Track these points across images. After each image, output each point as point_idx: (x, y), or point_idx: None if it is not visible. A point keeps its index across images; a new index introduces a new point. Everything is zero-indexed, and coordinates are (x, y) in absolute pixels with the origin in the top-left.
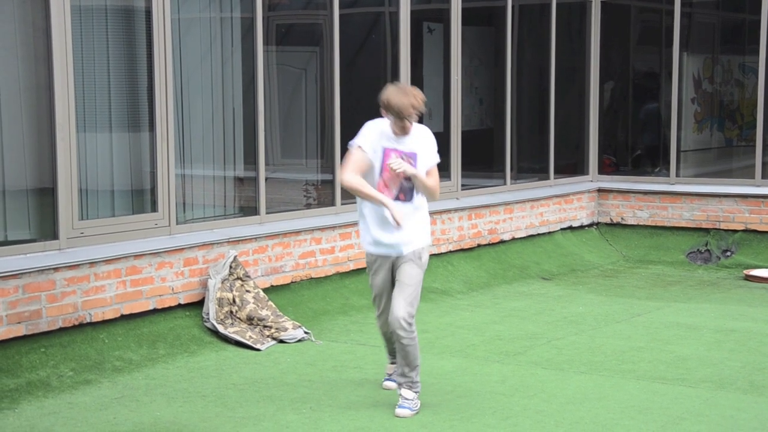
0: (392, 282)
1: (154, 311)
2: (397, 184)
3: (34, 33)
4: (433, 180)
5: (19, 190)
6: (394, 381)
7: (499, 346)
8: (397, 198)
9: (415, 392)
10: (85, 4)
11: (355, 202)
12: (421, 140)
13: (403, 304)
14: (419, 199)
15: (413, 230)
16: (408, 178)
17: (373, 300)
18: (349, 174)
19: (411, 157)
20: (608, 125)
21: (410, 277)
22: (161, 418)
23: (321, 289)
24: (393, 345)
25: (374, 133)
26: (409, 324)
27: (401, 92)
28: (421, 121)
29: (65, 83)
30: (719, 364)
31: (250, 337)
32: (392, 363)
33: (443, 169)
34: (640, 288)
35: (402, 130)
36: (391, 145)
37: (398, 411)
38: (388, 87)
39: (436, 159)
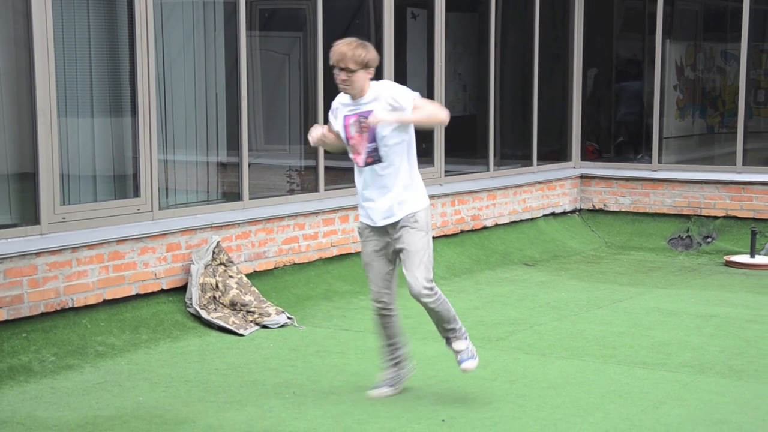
0: (384, 254)
1: (137, 296)
2: (364, 148)
3: (14, 16)
4: (425, 109)
5: (0, 175)
6: (388, 386)
7: (482, 332)
8: (366, 162)
9: (465, 338)
10: None
11: (338, 188)
12: (381, 95)
13: (417, 275)
14: (397, 161)
15: (399, 193)
16: (372, 141)
17: (365, 270)
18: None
19: (367, 117)
20: (591, 112)
21: (413, 244)
22: (144, 403)
23: (304, 274)
24: (387, 332)
25: (336, 102)
26: (431, 289)
27: (344, 41)
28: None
29: (46, 67)
30: (699, 348)
31: (233, 322)
32: (388, 367)
33: (426, 155)
34: (622, 274)
35: (340, 85)
36: (349, 110)
37: (463, 365)
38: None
39: (410, 94)
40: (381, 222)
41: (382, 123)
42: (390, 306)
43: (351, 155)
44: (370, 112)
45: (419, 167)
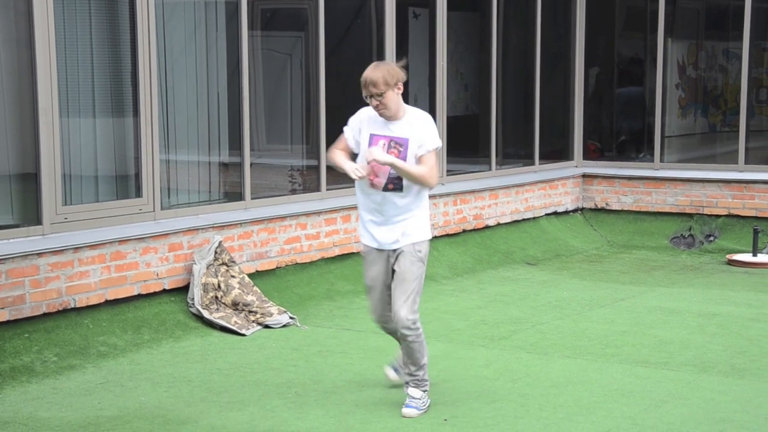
0: (387, 278)
1: (139, 297)
2: (385, 173)
3: (15, 17)
4: (423, 167)
5: (2, 176)
6: (396, 372)
7: (484, 331)
8: (386, 188)
9: (423, 390)
10: None
11: (340, 188)
12: (416, 125)
13: (404, 304)
14: (414, 192)
15: (408, 224)
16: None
17: (366, 293)
18: (331, 150)
19: (401, 144)
20: (593, 111)
21: (409, 273)
22: (146, 403)
23: (306, 274)
24: (396, 335)
25: (360, 118)
26: (414, 322)
27: (372, 67)
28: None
29: (48, 68)
30: (701, 347)
31: (235, 322)
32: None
33: None
34: (624, 273)
35: (377, 110)
36: (380, 131)
37: (405, 411)
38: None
39: (433, 145)
40: (387, 246)
41: (376, 161)
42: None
43: (366, 175)
44: (404, 139)
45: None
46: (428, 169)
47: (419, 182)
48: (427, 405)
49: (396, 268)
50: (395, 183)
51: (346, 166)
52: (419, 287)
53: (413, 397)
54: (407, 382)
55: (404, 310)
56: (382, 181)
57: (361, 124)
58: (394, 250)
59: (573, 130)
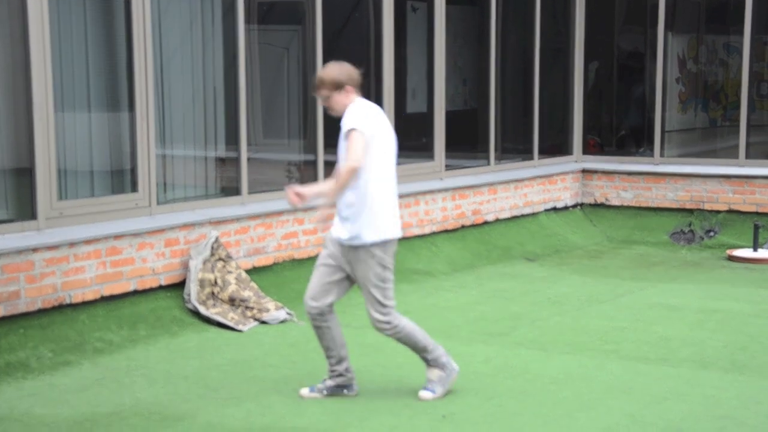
0: (332, 269)
1: (135, 292)
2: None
3: (9, 11)
4: (342, 171)
5: None
6: (314, 391)
7: (483, 327)
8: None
9: (439, 369)
10: None
11: None
12: (345, 118)
13: (371, 311)
14: (355, 189)
15: (352, 225)
16: (340, 161)
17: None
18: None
19: (342, 139)
20: (593, 105)
21: (362, 279)
22: (142, 400)
23: (303, 270)
24: (321, 342)
25: None
26: (387, 322)
27: (324, 67)
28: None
29: (42, 62)
30: (702, 343)
31: (232, 318)
32: (329, 372)
33: (427, 149)
34: (624, 268)
35: (329, 111)
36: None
37: (421, 393)
38: None
39: (347, 127)
40: (343, 240)
41: (298, 203)
42: (319, 315)
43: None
44: (342, 133)
45: (419, 162)
46: (349, 162)
47: (344, 186)
48: (448, 380)
49: (353, 274)
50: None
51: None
52: (379, 287)
53: (430, 380)
54: (426, 360)
55: (373, 314)
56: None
57: None
58: (348, 250)
59: (572, 125)
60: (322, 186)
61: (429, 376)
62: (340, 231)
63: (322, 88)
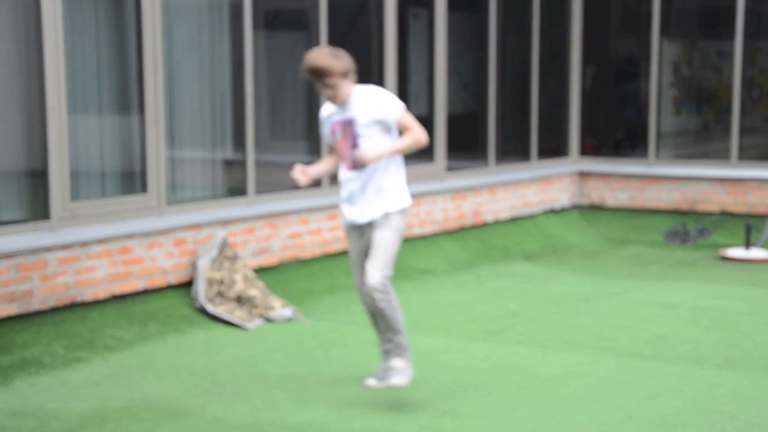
0: (367, 251)
1: (145, 291)
2: (348, 154)
3: (25, 16)
4: (409, 136)
5: (12, 172)
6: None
7: (482, 325)
8: (353, 167)
9: (406, 359)
10: None
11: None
12: (361, 102)
13: (373, 270)
14: (380, 165)
15: (374, 201)
16: (354, 147)
17: (352, 267)
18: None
19: (349, 123)
20: (589, 109)
21: (379, 240)
22: (152, 395)
23: (308, 269)
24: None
25: (325, 109)
26: (384, 286)
27: (313, 53)
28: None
29: (56, 66)
30: (695, 341)
31: (238, 316)
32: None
33: (427, 151)
34: (620, 268)
35: (325, 97)
36: (337, 116)
37: (393, 380)
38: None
39: (397, 109)
40: (361, 220)
41: (372, 160)
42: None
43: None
44: (351, 119)
45: (420, 164)
46: (412, 132)
47: (415, 148)
48: (411, 374)
49: (372, 236)
50: (358, 164)
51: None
52: (391, 255)
53: (398, 367)
54: (388, 352)
55: (373, 277)
56: (349, 162)
57: (327, 116)
58: (371, 224)
59: (569, 128)
60: (383, 146)
61: (394, 364)
62: (366, 212)
63: (332, 76)
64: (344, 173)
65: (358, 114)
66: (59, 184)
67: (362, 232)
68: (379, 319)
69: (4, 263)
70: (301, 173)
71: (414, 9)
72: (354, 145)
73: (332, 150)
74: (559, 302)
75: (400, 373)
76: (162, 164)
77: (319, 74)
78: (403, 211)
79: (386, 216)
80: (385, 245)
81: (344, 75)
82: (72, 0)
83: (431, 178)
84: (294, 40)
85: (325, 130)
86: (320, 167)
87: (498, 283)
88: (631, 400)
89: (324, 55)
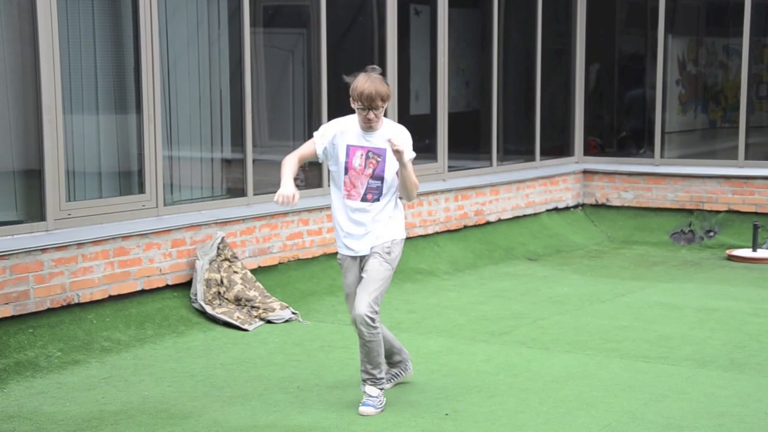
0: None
1: (142, 292)
2: (364, 183)
3: (19, 14)
4: (413, 174)
5: (6, 172)
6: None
7: (485, 326)
8: (364, 198)
9: (380, 389)
10: None
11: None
12: (391, 136)
13: (365, 301)
14: (389, 199)
15: (381, 229)
16: (376, 178)
17: (346, 300)
18: (289, 155)
19: (379, 154)
20: (594, 107)
21: (375, 272)
22: (149, 398)
23: (308, 269)
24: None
25: (335, 128)
26: (372, 320)
27: (369, 79)
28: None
29: (51, 65)
30: (701, 342)
31: (237, 317)
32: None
33: (430, 151)
34: (625, 268)
35: (366, 123)
36: (357, 142)
37: (362, 409)
38: (358, 75)
39: (412, 155)
40: (365, 251)
41: (403, 155)
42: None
43: (340, 186)
44: (382, 150)
45: (422, 163)
46: (413, 181)
47: (412, 188)
48: (383, 404)
49: (365, 266)
50: (374, 193)
51: (282, 184)
52: (383, 288)
53: (370, 396)
54: (364, 380)
55: (364, 307)
56: (362, 192)
57: (337, 136)
58: (365, 255)
59: (574, 127)
60: (409, 162)
61: (370, 392)
62: (363, 246)
63: (386, 101)
64: (352, 203)
65: (386, 145)
66: (55, 184)
67: (360, 260)
68: (361, 348)
69: None
70: (291, 199)
71: (415, 5)
72: (376, 176)
73: (302, 160)
74: (563, 303)
75: (371, 402)
76: (159, 164)
77: (377, 100)
78: (402, 242)
79: (386, 246)
80: (381, 278)
81: (386, 102)
82: None
83: (433, 178)
84: (294, 38)
85: (331, 149)
86: (291, 180)
87: (501, 283)
88: (636, 402)
89: (380, 82)
